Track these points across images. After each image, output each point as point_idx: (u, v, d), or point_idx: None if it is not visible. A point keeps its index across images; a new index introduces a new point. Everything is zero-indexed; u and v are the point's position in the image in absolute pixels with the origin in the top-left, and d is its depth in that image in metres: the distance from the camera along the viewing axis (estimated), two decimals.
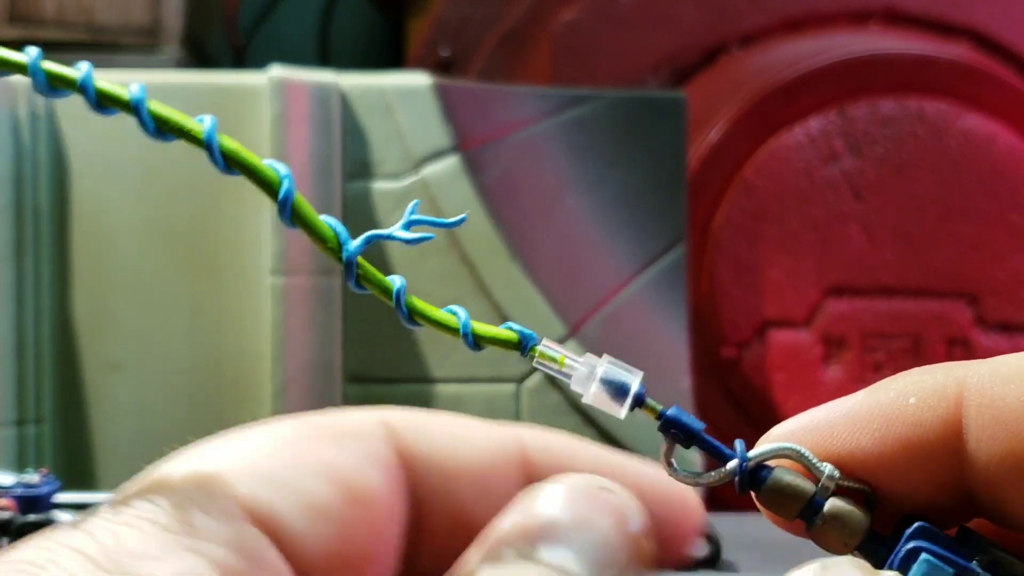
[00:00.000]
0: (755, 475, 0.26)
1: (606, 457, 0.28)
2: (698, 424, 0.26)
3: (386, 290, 0.26)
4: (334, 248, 0.25)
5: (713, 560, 0.70)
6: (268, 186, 0.25)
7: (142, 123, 0.24)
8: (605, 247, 0.86)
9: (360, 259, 0.25)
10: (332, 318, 0.81)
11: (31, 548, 0.22)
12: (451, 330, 0.26)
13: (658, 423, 0.26)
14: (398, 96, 0.83)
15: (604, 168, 0.86)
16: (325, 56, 1.42)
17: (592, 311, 0.85)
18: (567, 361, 0.26)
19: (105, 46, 0.99)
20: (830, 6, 1.07)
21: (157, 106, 0.25)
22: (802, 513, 0.25)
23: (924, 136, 0.97)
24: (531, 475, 0.27)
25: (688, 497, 0.27)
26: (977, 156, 0.97)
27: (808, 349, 0.96)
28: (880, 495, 0.25)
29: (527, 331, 0.26)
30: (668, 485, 0.28)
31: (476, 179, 0.83)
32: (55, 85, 0.24)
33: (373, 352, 0.83)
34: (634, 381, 0.26)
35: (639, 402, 0.26)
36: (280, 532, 0.24)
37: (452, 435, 0.28)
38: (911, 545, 0.24)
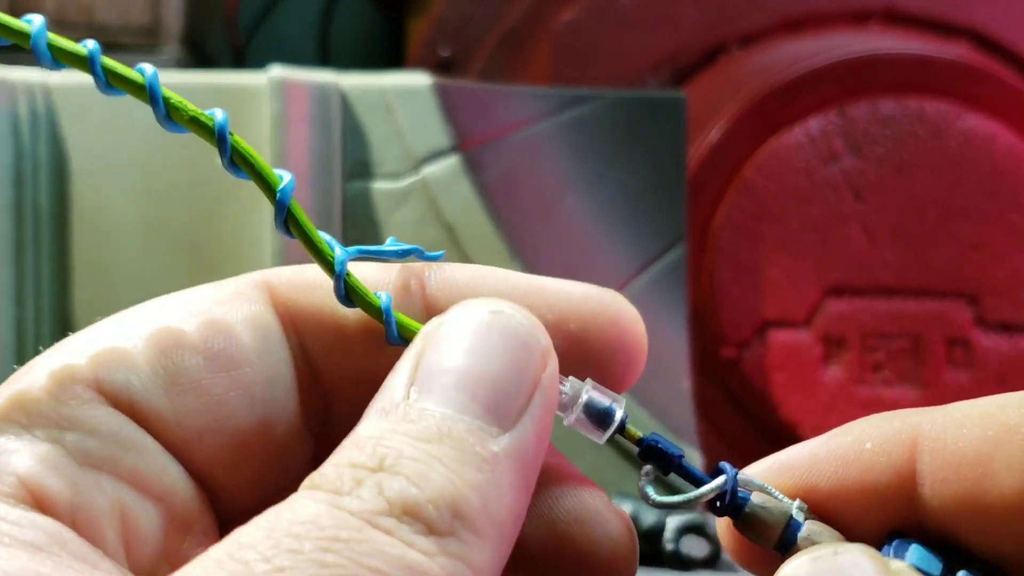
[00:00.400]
0: (732, 503, 0.26)
1: (516, 280, 0.28)
2: (676, 450, 0.26)
3: (374, 307, 0.26)
4: (329, 258, 0.26)
5: (713, 560, 0.70)
6: (270, 190, 0.25)
7: (155, 104, 0.24)
8: (605, 247, 0.86)
9: (350, 274, 0.26)
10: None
11: None
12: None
13: (637, 450, 0.26)
14: (398, 96, 0.83)
15: (604, 168, 0.86)
16: (325, 56, 1.42)
17: None
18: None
19: (105, 46, 0.98)
20: (830, 6, 1.07)
21: (170, 92, 0.25)
22: (779, 541, 0.25)
23: (924, 136, 0.97)
24: (429, 306, 0.27)
25: (622, 311, 0.27)
26: (977, 156, 0.97)
27: (808, 349, 0.96)
28: (840, 531, 0.26)
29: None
30: (595, 300, 0.27)
31: (476, 179, 0.83)
32: (60, 59, 0.24)
33: None
34: (617, 408, 0.26)
35: (620, 428, 0.26)
36: (139, 410, 0.24)
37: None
38: (898, 541, 0.25)
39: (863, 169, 0.97)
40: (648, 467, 0.26)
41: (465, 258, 0.83)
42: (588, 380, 0.26)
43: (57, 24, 1.00)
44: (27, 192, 0.79)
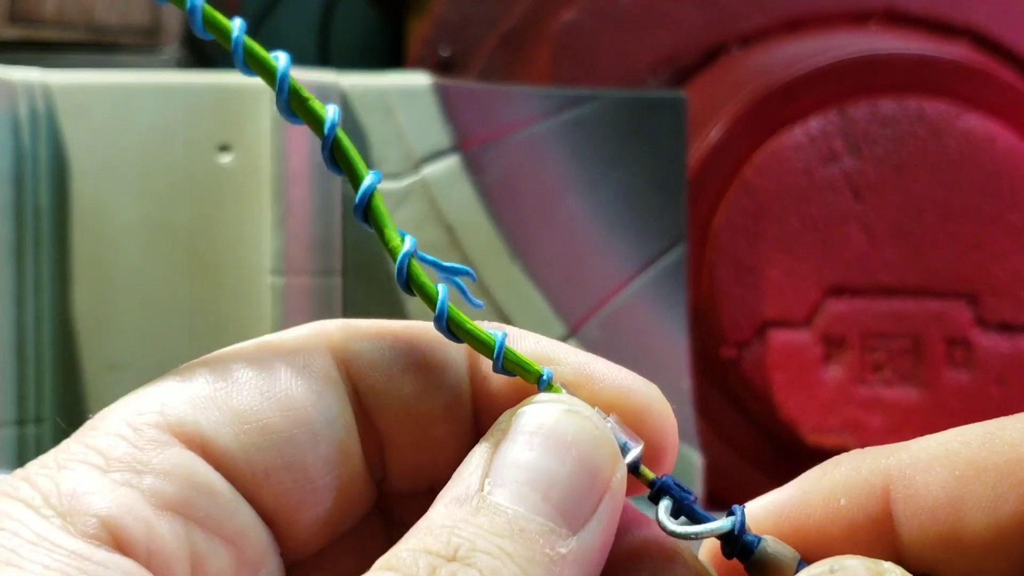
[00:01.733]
0: (742, 543, 0.26)
1: (568, 357, 0.28)
2: (689, 495, 0.26)
3: (432, 299, 0.27)
4: (395, 250, 0.26)
5: None
6: (356, 180, 0.26)
7: (280, 93, 0.25)
8: (605, 247, 0.86)
9: (413, 262, 0.26)
10: (332, 318, 0.81)
11: None
12: (486, 348, 0.27)
13: (649, 491, 0.27)
14: (398, 96, 0.83)
15: (604, 168, 0.86)
16: (325, 56, 1.42)
17: (592, 311, 0.85)
18: None
19: (105, 46, 0.99)
20: (830, 6, 1.07)
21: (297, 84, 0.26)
22: None
23: (924, 136, 0.97)
24: (471, 357, 0.28)
25: (660, 404, 0.28)
26: (977, 156, 0.97)
27: (808, 349, 0.96)
28: None
29: (550, 371, 0.27)
30: (640, 392, 0.28)
31: (476, 179, 0.83)
32: (208, 30, 0.25)
33: None
34: (635, 449, 0.27)
35: (633, 468, 0.26)
36: (211, 451, 0.25)
37: (386, 335, 0.28)
38: None
39: (863, 169, 0.97)
40: (666, 501, 0.27)
41: (465, 258, 0.83)
42: (612, 415, 0.27)
43: (57, 24, 1.00)
44: (27, 192, 0.79)
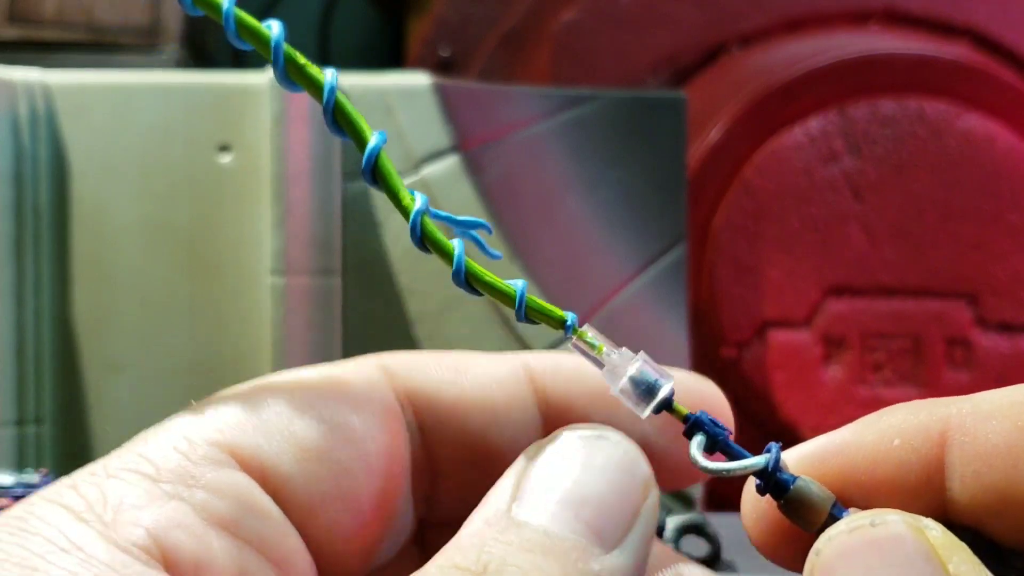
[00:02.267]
0: (777, 482, 0.26)
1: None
2: (723, 430, 0.26)
3: (448, 252, 0.27)
4: (408, 208, 0.26)
5: (713, 560, 0.70)
6: (361, 142, 0.26)
7: (276, 64, 0.25)
8: (605, 247, 0.86)
9: (426, 219, 0.26)
10: (332, 318, 0.81)
11: (19, 505, 0.23)
12: (507, 299, 0.26)
13: (684, 427, 0.26)
14: (398, 96, 0.83)
15: (604, 168, 0.86)
16: (325, 56, 1.42)
17: (592, 311, 0.85)
18: (605, 350, 0.27)
19: (105, 46, 0.98)
20: (830, 6, 1.07)
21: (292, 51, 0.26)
22: (824, 525, 0.25)
23: (924, 136, 0.97)
24: (542, 399, 0.28)
25: (716, 398, 0.28)
26: (977, 156, 0.97)
27: (808, 349, 0.96)
28: None
29: (574, 315, 0.27)
30: (694, 387, 0.28)
31: (476, 179, 0.83)
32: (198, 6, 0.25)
33: (373, 352, 0.82)
34: (665, 385, 0.26)
35: (666, 405, 0.26)
36: (268, 475, 0.25)
37: (455, 369, 0.28)
38: None
39: (863, 169, 0.97)
40: (699, 436, 0.26)
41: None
42: (641, 352, 0.27)
43: (57, 24, 1.00)
44: (27, 192, 0.79)
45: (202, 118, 0.81)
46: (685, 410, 0.26)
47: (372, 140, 0.26)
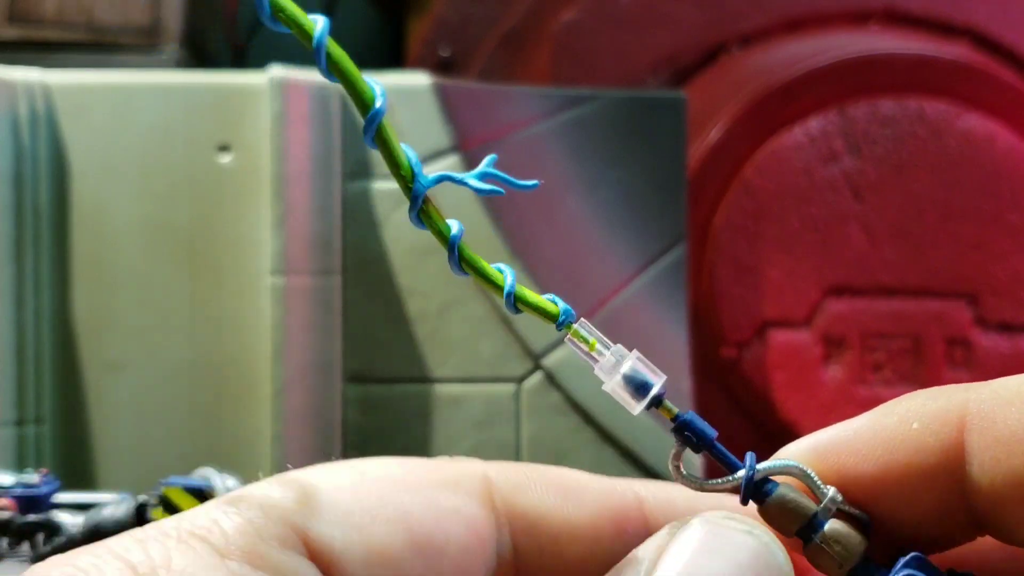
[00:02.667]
0: (759, 488, 0.26)
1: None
2: (711, 431, 0.26)
3: (443, 234, 0.26)
4: (407, 176, 0.25)
5: None
6: (362, 102, 0.25)
7: (260, 6, 0.24)
8: (605, 247, 0.86)
9: (427, 197, 0.25)
10: (332, 318, 0.81)
11: (85, 553, 0.22)
12: (496, 287, 0.25)
13: (672, 425, 0.26)
14: (398, 96, 0.83)
15: (604, 168, 0.86)
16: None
17: (592, 311, 0.85)
18: (598, 346, 0.26)
19: (105, 46, 0.98)
20: (830, 6, 1.07)
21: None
22: (801, 531, 0.25)
23: (924, 136, 0.97)
24: (651, 532, 0.27)
25: None
26: (977, 156, 0.97)
27: (808, 349, 0.96)
28: (881, 519, 0.26)
29: (569, 308, 0.26)
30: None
31: None
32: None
33: (373, 352, 0.83)
34: (657, 383, 0.26)
35: (657, 402, 0.26)
36: (334, 569, 0.24)
37: (564, 490, 0.27)
38: (905, 572, 0.24)
39: (863, 169, 0.97)
40: (678, 447, 0.26)
41: None
42: (635, 350, 0.26)
43: (57, 24, 1.00)
44: (27, 192, 0.79)
45: (202, 118, 0.81)
46: (675, 409, 0.26)
47: (377, 101, 0.25)
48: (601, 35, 1.06)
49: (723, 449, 0.26)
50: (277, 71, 0.81)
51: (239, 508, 0.24)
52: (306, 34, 0.25)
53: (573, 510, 0.27)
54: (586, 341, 0.26)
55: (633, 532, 0.27)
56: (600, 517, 0.27)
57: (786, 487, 0.25)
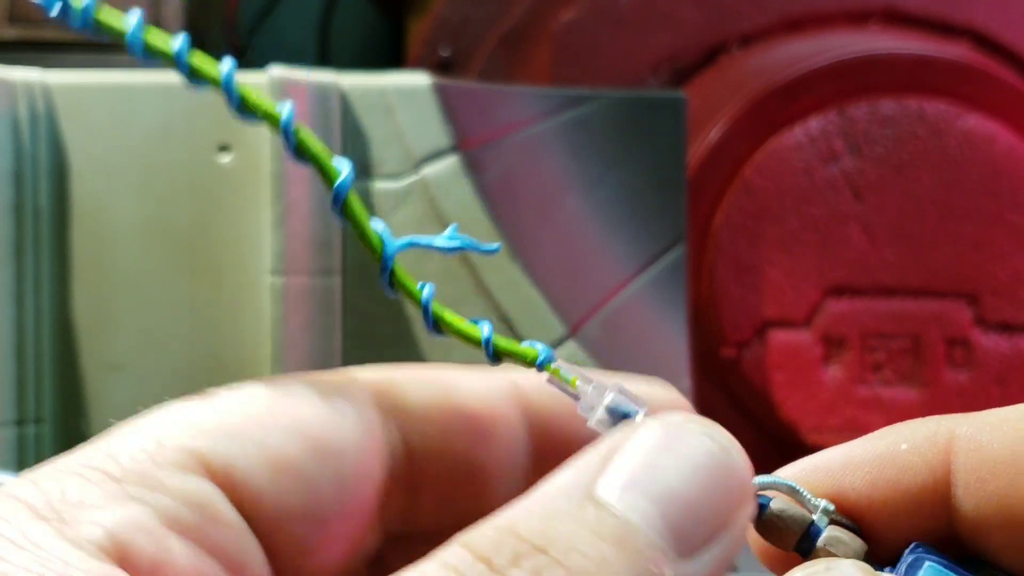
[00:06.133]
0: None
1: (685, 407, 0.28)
2: None
3: (415, 297, 0.27)
4: (375, 246, 0.26)
5: None
6: (328, 178, 0.26)
7: (229, 96, 0.25)
8: (605, 247, 0.86)
9: (396, 263, 0.26)
10: (332, 318, 0.81)
11: None
12: (474, 342, 0.26)
13: None
14: (398, 96, 0.83)
15: (604, 168, 0.86)
16: (325, 56, 1.42)
17: (592, 311, 0.85)
18: (578, 384, 0.27)
19: (105, 46, 0.98)
20: (830, 6, 1.07)
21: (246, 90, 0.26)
22: (799, 544, 0.25)
23: (924, 136, 0.97)
24: (531, 418, 0.27)
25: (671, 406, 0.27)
26: (977, 156, 0.97)
27: (808, 349, 0.96)
28: (869, 539, 0.26)
29: (548, 349, 0.27)
30: (667, 406, 0.27)
31: (476, 179, 0.83)
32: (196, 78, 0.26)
33: (373, 352, 0.83)
34: (639, 413, 0.26)
35: None
36: (237, 486, 0.24)
37: (442, 385, 0.28)
38: (914, 556, 0.24)
39: (863, 169, 0.97)
40: None
41: (465, 258, 0.83)
42: (615, 382, 0.27)
43: (57, 24, 0.99)
44: (27, 192, 0.79)
45: (202, 118, 0.81)
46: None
47: (343, 173, 0.26)
48: (601, 35, 1.06)
49: None
50: (277, 71, 0.81)
51: (132, 437, 0.24)
52: (274, 119, 0.26)
53: (453, 400, 0.27)
54: (566, 380, 0.27)
55: (510, 416, 0.27)
56: (479, 404, 0.27)
57: (779, 500, 0.26)
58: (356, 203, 0.26)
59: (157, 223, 0.82)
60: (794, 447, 0.96)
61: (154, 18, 1.02)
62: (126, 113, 0.82)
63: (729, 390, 0.97)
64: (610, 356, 0.84)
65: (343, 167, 0.26)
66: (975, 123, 0.97)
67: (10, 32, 0.99)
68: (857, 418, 0.96)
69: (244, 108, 0.25)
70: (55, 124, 0.81)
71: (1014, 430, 0.25)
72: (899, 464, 0.26)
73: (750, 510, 0.24)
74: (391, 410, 0.27)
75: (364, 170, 0.83)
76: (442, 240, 0.28)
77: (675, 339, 0.85)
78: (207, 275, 0.82)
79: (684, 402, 0.27)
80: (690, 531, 0.22)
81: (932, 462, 0.25)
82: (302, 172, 0.81)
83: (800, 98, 0.97)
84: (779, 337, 0.96)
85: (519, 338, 0.92)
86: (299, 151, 0.26)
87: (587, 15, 1.06)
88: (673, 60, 1.06)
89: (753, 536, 0.26)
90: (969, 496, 0.25)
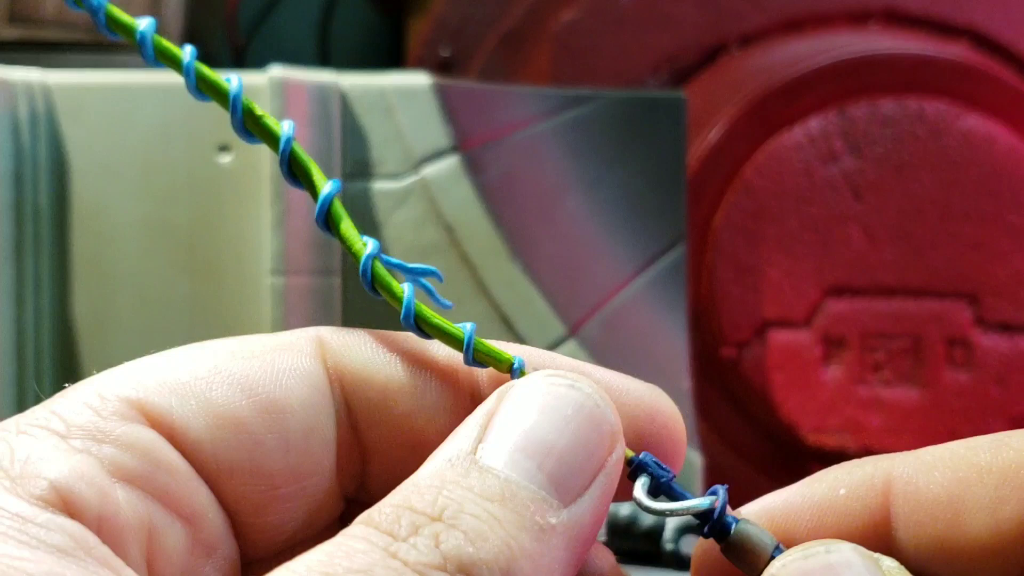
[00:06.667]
0: (722, 523, 0.26)
1: (560, 362, 0.28)
2: (667, 472, 0.26)
3: (397, 298, 0.27)
4: (357, 253, 0.27)
5: None
6: (314, 191, 0.27)
7: (234, 114, 0.26)
8: (605, 247, 0.86)
9: (377, 264, 0.27)
10: (332, 318, 0.81)
11: None
12: (456, 342, 0.27)
13: (629, 469, 0.26)
14: (398, 96, 0.83)
15: (604, 168, 0.86)
16: (325, 56, 1.42)
17: (592, 311, 0.85)
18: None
19: (105, 46, 0.98)
20: (830, 6, 1.07)
21: (251, 104, 0.27)
22: (765, 567, 0.25)
23: (924, 136, 0.97)
24: (477, 385, 0.28)
25: (670, 414, 0.27)
26: (977, 156, 0.97)
27: (808, 349, 0.96)
28: None
29: (521, 358, 0.27)
30: (647, 400, 0.28)
31: (476, 179, 0.83)
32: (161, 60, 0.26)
33: None
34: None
35: None
36: (180, 436, 0.25)
37: (391, 348, 0.28)
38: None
39: (863, 169, 0.97)
40: (643, 477, 0.26)
41: (465, 258, 0.83)
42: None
43: (57, 24, 1.00)
44: (27, 192, 0.79)
45: (202, 118, 0.81)
46: (630, 452, 0.26)
47: (326, 189, 0.26)
48: (601, 35, 1.06)
49: (680, 490, 0.26)
50: (277, 71, 0.81)
51: (72, 396, 0.25)
52: (274, 139, 0.27)
53: (398, 366, 0.27)
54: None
55: (460, 381, 0.27)
56: (423, 370, 0.27)
57: (747, 522, 0.26)
58: (341, 211, 0.27)
59: (157, 223, 0.82)
60: (794, 447, 0.96)
61: (154, 18, 1.02)
62: (126, 113, 0.82)
63: (729, 390, 0.97)
64: (610, 356, 0.84)
65: (328, 185, 0.27)
66: (975, 123, 0.97)
67: (10, 32, 0.99)
68: (857, 418, 0.96)
69: (244, 128, 0.26)
70: (55, 124, 0.81)
71: (950, 471, 0.25)
72: (838, 510, 0.26)
73: (621, 452, 0.25)
74: (336, 370, 0.27)
75: (364, 170, 0.83)
76: (413, 269, 0.28)
77: (675, 339, 0.85)
78: (207, 275, 0.82)
79: (670, 405, 0.28)
80: (568, 479, 0.23)
81: (871, 506, 0.26)
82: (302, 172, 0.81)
83: (800, 98, 0.97)
84: (779, 337, 0.96)
85: (521, 342, 0.92)
86: (292, 176, 0.27)
87: (587, 15, 1.06)
88: (673, 60, 1.06)
89: (700, 564, 0.26)
90: (910, 538, 0.25)
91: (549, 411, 0.24)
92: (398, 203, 0.83)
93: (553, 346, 0.83)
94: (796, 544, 0.26)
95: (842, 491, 0.26)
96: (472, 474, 0.23)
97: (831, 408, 0.96)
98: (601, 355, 0.83)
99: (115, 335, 0.81)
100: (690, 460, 0.84)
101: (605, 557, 0.27)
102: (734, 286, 0.97)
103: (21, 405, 0.78)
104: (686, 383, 0.85)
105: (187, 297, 0.82)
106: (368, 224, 0.82)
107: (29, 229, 0.80)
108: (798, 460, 0.96)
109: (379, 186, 0.83)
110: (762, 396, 0.96)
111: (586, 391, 0.25)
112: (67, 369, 0.81)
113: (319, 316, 0.81)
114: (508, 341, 0.28)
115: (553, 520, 0.23)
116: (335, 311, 0.81)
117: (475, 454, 0.23)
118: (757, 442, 0.97)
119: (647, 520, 0.71)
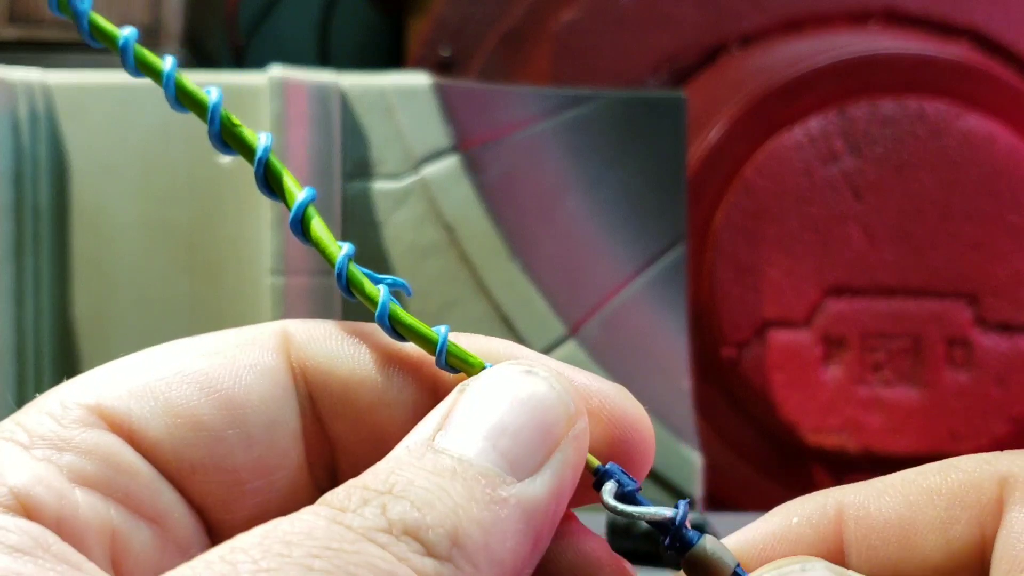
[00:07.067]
0: (684, 537, 0.26)
1: (532, 358, 0.29)
2: (632, 482, 0.26)
3: (372, 300, 0.27)
4: (332, 258, 0.27)
5: None
6: (286, 202, 0.27)
7: (212, 124, 0.26)
8: (605, 247, 0.86)
9: (352, 267, 0.27)
10: (332, 318, 0.81)
11: None
12: (430, 345, 0.27)
13: (594, 479, 0.26)
14: (398, 96, 0.83)
15: (604, 168, 0.86)
16: (325, 56, 1.42)
17: (592, 311, 0.85)
18: None
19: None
20: (830, 6, 1.07)
21: (228, 114, 0.27)
22: None
23: (924, 136, 0.97)
24: (442, 378, 0.28)
25: (637, 416, 0.28)
26: (977, 156, 0.97)
27: (808, 349, 0.96)
28: None
29: (489, 364, 0.28)
30: (615, 401, 0.28)
31: (476, 179, 0.83)
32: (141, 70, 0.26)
33: None
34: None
35: None
36: (139, 438, 0.25)
37: (356, 342, 0.28)
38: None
39: (863, 169, 0.97)
40: (612, 482, 0.26)
41: (465, 258, 0.83)
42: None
43: (57, 24, 1.00)
44: (27, 192, 0.79)
45: None
46: (596, 461, 0.26)
47: (300, 196, 0.26)
48: (601, 35, 1.06)
49: (644, 501, 0.26)
50: (277, 71, 0.81)
51: (37, 407, 0.25)
52: (250, 151, 0.27)
53: (362, 358, 0.28)
54: None
55: (424, 377, 0.28)
56: (386, 364, 0.28)
57: (710, 537, 0.26)
58: (318, 219, 0.27)
59: (157, 223, 0.82)
60: (794, 447, 0.96)
61: (154, 18, 1.02)
62: (126, 113, 0.82)
63: (729, 390, 0.97)
64: (610, 356, 0.84)
65: (303, 192, 0.27)
66: (975, 123, 0.97)
67: (10, 32, 0.99)
68: (857, 418, 0.96)
69: (221, 139, 0.26)
70: (55, 124, 0.81)
71: (900, 495, 0.26)
72: (792, 539, 0.26)
73: (581, 430, 0.25)
74: (300, 364, 0.27)
75: (364, 170, 0.83)
76: (384, 277, 0.29)
77: (675, 339, 0.85)
78: (207, 275, 0.82)
79: (637, 408, 0.28)
80: (522, 456, 0.24)
81: (824, 532, 0.26)
82: (302, 172, 0.81)
83: (800, 98, 0.97)
84: (779, 337, 0.96)
85: (521, 342, 0.92)
86: (268, 187, 0.27)
87: (587, 15, 1.06)
88: (673, 60, 1.06)
89: None
90: (863, 562, 0.26)
91: (505, 396, 0.25)
92: (398, 203, 0.83)
93: (553, 346, 0.83)
94: (753, 564, 0.26)
95: (795, 520, 0.27)
96: (427, 456, 0.23)
97: (831, 408, 0.96)
98: (601, 355, 0.83)
99: (115, 335, 0.81)
100: (690, 460, 0.84)
101: (599, 544, 0.27)
102: (734, 286, 0.97)
103: (21, 405, 0.78)
104: (686, 383, 0.85)
105: (187, 297, 0.82)
106: (368, 224, 0.82)
107: (29, 229, 0.80)
108: (798, 460, 0.96)
109: (379, 186, 0.83)
110: (762, 396, 0.96)
111: (542, 375, 0.25)
112: (67, 369, 0.81)
113: (319, 316, 0.81)
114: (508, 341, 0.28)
115: (504, 493, 0.23)
116: (335, 311, 0.81)
117: (433, 440, 0.24)
118: (757, 442, 0.97)
119: None
